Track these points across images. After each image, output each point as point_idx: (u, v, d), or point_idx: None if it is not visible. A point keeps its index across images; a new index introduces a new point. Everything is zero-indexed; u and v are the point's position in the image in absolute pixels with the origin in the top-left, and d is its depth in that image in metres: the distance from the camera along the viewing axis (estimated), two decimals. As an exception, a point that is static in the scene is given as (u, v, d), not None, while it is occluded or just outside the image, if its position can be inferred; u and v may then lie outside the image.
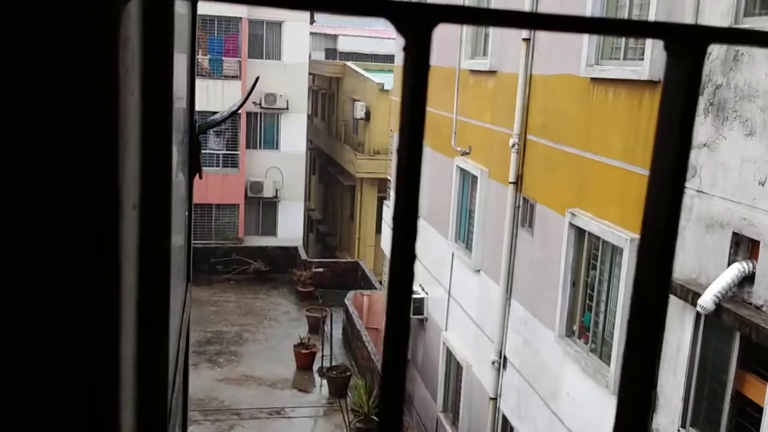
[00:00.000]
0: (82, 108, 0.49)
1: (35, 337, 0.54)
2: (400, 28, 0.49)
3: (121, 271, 0.55)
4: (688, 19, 6.88)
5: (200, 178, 1.71)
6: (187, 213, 1.61)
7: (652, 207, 0.54)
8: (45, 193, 0.51)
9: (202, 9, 24.82)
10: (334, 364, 17.17)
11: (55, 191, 0.51)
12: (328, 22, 42.56)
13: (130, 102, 0.59)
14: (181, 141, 1.41)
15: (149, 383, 0.87)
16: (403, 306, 0.48)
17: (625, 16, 8.19)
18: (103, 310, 0.54)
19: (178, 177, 1.49)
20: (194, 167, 1.62)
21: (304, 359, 17.42)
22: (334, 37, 33.88)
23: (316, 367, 17.45)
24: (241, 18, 25.58)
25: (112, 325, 0.57)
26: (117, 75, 0.51)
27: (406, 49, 0.49)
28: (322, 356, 17.45)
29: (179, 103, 1.45)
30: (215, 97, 24.65)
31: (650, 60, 7.45)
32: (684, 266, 6.80)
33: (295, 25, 26.51)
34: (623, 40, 8.28)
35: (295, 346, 17.66)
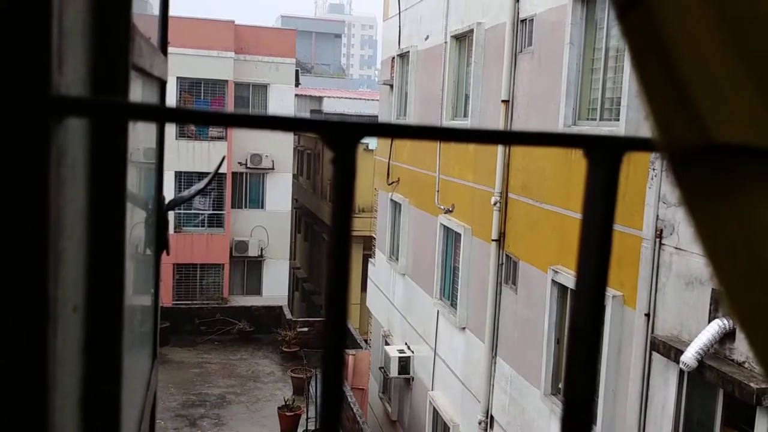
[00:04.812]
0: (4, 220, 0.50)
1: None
2: (328, 143, 0.53)
3: (52, 384, 0.55)
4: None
5: (167, 254, 1.72)
6: (153, 290, 1.62)
7: (578, 312, 0.56)
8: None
9: (189, 72, 25.16)
10: (319, 426, 16.85)
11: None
12: (313, 84, 43.19)
13: (68, 209, 0.60)
14: (147, 220, 1.43)
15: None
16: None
17: (600, 79, 8.38)
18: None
19: (145, 255, 1.50)
20: (161, 244, 1.64)
21: (289, 422, 17.09)
22: (319, 98, 34.41)
23: (300, 429, 17.12)
24: (227, 81, 25.92)
25: None
26: (47, 187, 0.52)
27: (333, 161, 0.52)
28: (307, 418, 17.13)
29: (146, 184, 1.47)
30: (201, 158, 24.80)
31: (626, 120, 7.59)
32: (665, 322, 6.81)
33: (281, 88, 26.88)
34: (600, 99, 8.46)
35: (279, 408, 17.35)
